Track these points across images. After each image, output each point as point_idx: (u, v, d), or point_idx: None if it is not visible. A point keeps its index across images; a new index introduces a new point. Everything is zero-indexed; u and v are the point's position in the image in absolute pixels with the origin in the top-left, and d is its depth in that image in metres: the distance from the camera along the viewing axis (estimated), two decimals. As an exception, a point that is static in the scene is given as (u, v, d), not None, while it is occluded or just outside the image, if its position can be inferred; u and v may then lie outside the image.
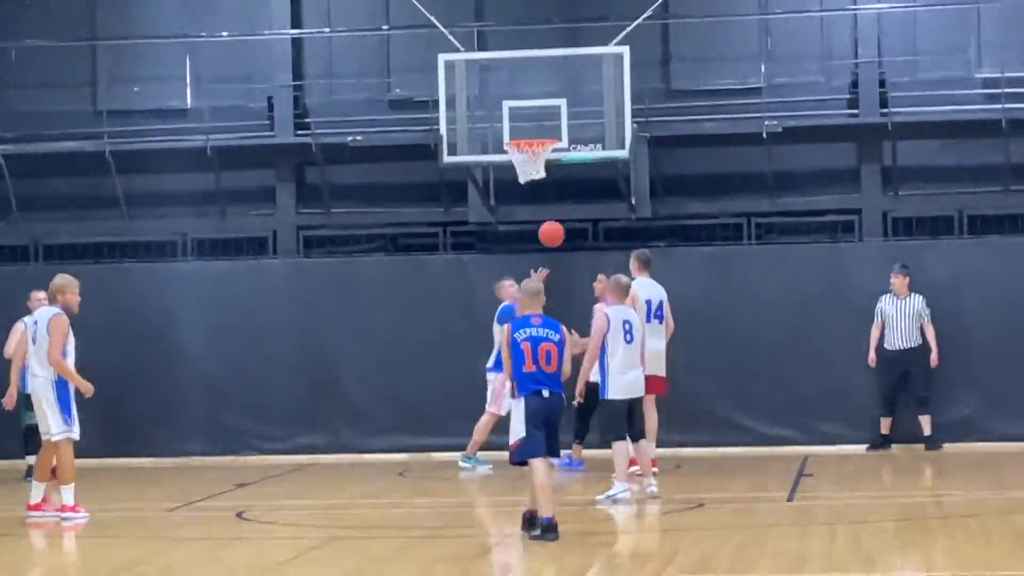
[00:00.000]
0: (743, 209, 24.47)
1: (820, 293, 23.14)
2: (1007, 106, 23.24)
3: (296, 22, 25.40)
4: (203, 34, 25.42)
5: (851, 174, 24.58)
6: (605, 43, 22.84)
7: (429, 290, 24.02)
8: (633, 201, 23.71)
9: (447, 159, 22.70)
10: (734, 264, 23.12)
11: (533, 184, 22.31)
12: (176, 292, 24.52)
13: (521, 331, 15.45)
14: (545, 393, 15.12)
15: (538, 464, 15.07)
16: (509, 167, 22.26)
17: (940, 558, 13.73)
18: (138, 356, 24.18)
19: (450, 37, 23.38)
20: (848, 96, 24.48)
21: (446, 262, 24.70)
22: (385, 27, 25.22)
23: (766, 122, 23.59)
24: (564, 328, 15.52)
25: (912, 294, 22.42)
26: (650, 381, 18.92)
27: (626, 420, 18.34)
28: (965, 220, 23.96)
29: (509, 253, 23.81)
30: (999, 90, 23.52)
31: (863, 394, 23.03)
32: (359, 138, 24.33)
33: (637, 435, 18.39)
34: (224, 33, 25.26)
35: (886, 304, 22.56)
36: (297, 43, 25.60)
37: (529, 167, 21.97)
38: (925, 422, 22.43)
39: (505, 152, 22.19)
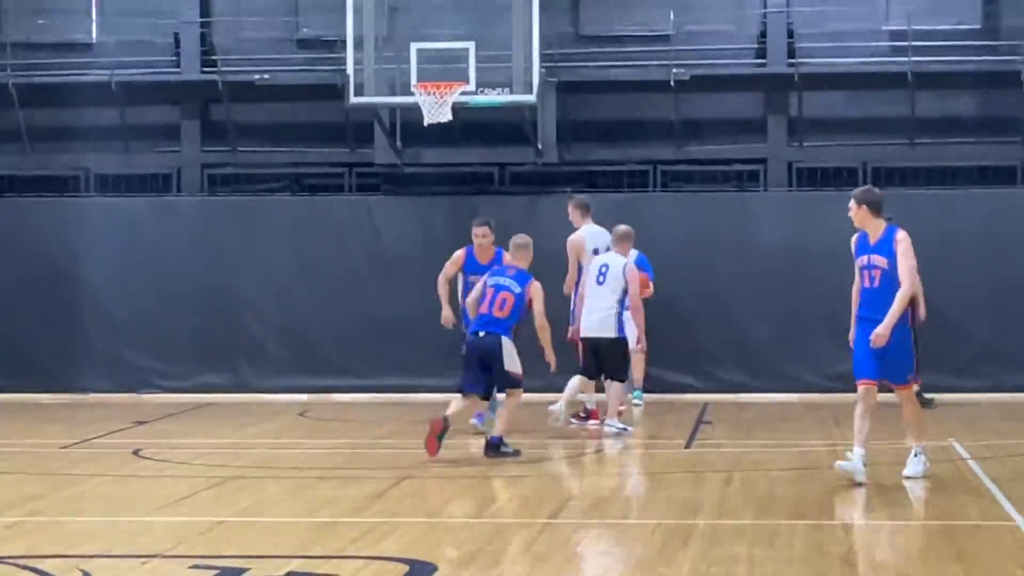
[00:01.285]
0: (649, 156, 24.58)
1: (725, 241, 23.34)
2: (913, 59, 23.66)
3: None
4: None
5: (758, 124, 24.78)
6: None
7: (334, 231, 24.16)
8: (539, 146, 23.90)
9: (354, 100, 22.97)
10: (640, 211, 22.90)
11: (440, 127, 22.46)
12: (79, 228, 24.52)
13: (493, 278, 17.11)
14: (481, 333, 16.68)
15: (459, 396, 17.11)
16: (416, 109, 22.50)
17: (831, 507, 14.11)
18: (38, 292, 24.09)
19: None
20: (756, 46, 24.70)
21: (351, 203, 24.73)
22: None
23: (674, 70, 23.74)
24: (533, 285, 16.94)
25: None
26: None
27: (591, 358, 19.15)
28: (869, 172, 24.12)
29: (415, 195, 24.06)
30: (905, 43, 23.81)
31: (766, 342, 23.19)
32: (266, 76, 24.51)
33: (603, 374, 18.92)
34: None
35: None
36: None
37: (436, 110, 22.27)
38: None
39: (412, 94, 22.41)
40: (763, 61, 24.58)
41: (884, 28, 24.48)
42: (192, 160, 25.28)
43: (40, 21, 25.32)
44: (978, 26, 24.29)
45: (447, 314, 18.61)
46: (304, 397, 23.67)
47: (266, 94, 24.87)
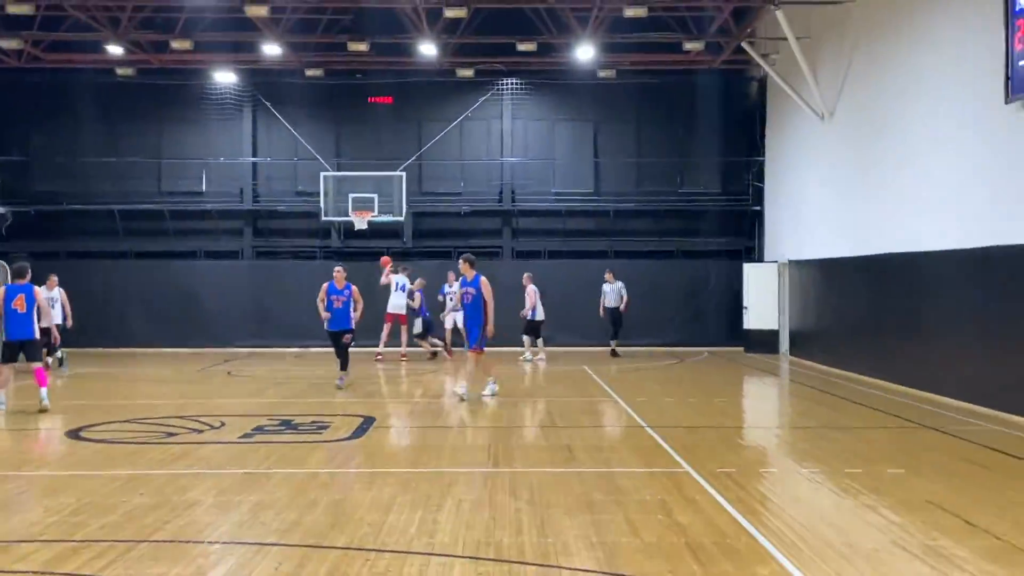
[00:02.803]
0: (451, 245, 25.81)
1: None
2: (565, 204, 26.01)
3: (255, 153, 26.26)
4: (211, 159, 26.29)
5: (498, 231, 26.28)
6: (395, 170, 25.02)
7: (312, 279, 23.46)
8: (404, 239, 25.70)
9: (324, 219, 24.78)
10: (444, 269, 22.87)
11: (362, 231, 24.56)
12: (192, 273, 25.33)
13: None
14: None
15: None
16: (351, 223, 24.42)
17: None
18: (170, 301, 24.66)
19: (324, 163, 25.44)
20: (498, 197, 26.19)
21: (321, 265, 25.06)
22: (295, 158, 26.17)
23: (462, 207, 25.88)
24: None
25: (616, 281, 22.35)
26: (398, 316, 20.85)
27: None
28: (547, 253, 26.13)
29: (350, 261, 23.57)
30: (562, 198, 26.10)
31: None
32: (283, 207, 26.07)
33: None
34: (222, 158, 26.17)
35: (605, 287, 22.35)
36: (256, 165, 26.30)
37: (360, 223, 24.30)
38: (614, 344, 22.63)
39: (349, 217, 24.29)
40: (501, 203, 26.03)
41: (552, 191, 26.09)
42: (248, 245, 26.25)
43: (181, 181, 26.05)
44: (591, 189, 26.15)
45: (325, 314, 16.25)
46: (297, 349, 24.44)
47: (284, 215, 26.07)
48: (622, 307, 22.52)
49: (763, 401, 16.64)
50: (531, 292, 21.31)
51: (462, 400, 14.48)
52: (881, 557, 6.64)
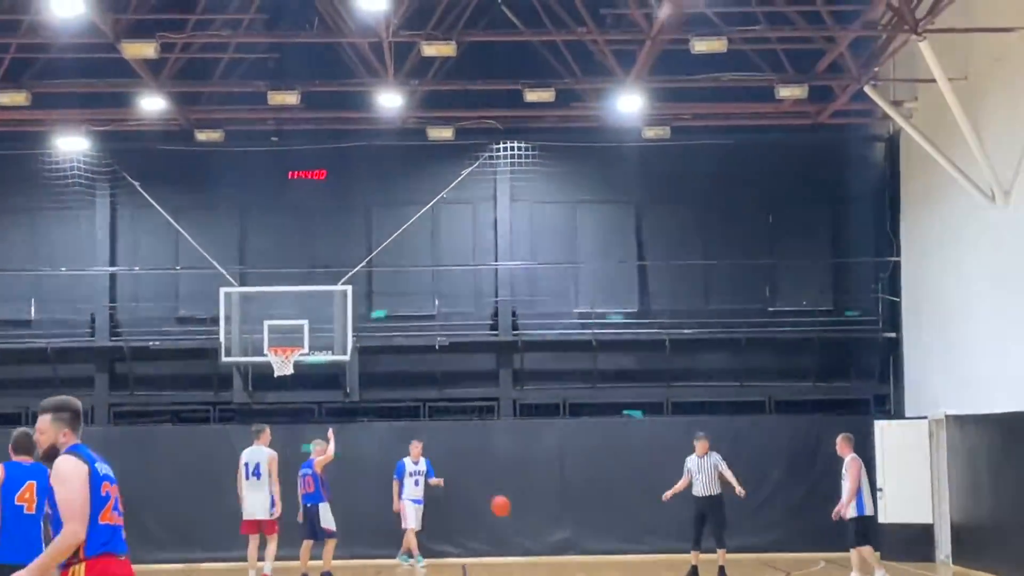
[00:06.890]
0: (421, 397, 24.98)
1: (472, 458, 23.77)
2: (595, 332, 24.91)
3: (113, 260, 25.06)
4: (46, 270, 25.02)
5: (492, 374, 25.30)
6: (334, 283, 23.84)
7: (202, 452, 23.70)
8: (348, 389, 24.54)
9: (224, 359, 23.47)
10: (414, 434, 23.35)
11: (283, 376, 23.01)
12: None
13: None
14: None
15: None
16: (267, 365, 23.05)
17: None
18: None
19: (224, 273, 24.30)
20: (491, 322, 25.30)
21: (214, 431, 24.39)
22: (177, 267, 25.10)
23: (438, 338, 24.68)
24: None
25: (711, 452, 20.83)
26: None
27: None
28: (567, 407, 25.09)
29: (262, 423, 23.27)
30: (589, 320, 25.07)
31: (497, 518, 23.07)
32: (155, 343, 24.74)
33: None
34: (63, 269, 24.89)
35: (691, 463, 20.79)
36: (115, 278, 25.11)
37: (282, 366, 22.97)
38: (721, 555, 20.49)
39: (265, 355, 22.99)
40: (496, 332, 25.16)
41: (574, 311, 25.20)
42: (102, 401, 24.74)
43: (-1, 306, 25.44)
44: (634, 308, 25.21)
45: None
46: (181, 565, 23.13)
47: (157, 355, 24.80)
48: (737, 488, 20.46)
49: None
50: (855, 467, 19.16)
51: None
52: None
